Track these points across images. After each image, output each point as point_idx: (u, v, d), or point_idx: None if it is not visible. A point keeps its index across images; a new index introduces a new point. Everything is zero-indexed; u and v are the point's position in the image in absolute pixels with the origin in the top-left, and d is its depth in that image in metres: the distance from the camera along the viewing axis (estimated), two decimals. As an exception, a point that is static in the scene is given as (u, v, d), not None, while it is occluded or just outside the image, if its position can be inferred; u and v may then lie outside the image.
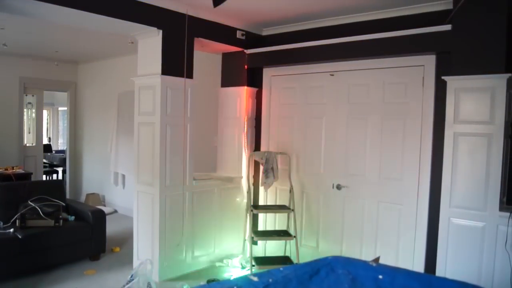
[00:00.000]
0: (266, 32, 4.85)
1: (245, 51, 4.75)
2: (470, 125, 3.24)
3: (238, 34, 4.61)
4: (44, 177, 8.30)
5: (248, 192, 4.54)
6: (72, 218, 4.63)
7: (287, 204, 4.50)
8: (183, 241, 4.24)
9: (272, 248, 4.78)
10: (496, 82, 3.11)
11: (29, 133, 7.64)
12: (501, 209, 3.12)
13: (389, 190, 3.95)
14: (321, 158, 4.44)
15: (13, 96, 7.10)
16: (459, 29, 3.31)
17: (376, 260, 2.61)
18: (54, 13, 3.49)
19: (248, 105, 4.82)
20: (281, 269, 1.22)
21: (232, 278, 4.16)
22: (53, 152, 11.37)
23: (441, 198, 3.40)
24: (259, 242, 4.80)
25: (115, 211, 7.05)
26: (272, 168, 4.42)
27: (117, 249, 4.98)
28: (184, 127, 4.17)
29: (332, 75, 4.31)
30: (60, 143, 13.71)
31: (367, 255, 4.05)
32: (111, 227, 5.51)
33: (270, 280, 1.16)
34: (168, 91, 4.01)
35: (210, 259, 4.57)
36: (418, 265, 3.73)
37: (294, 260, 4.22)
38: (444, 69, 3.50)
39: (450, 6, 3.45)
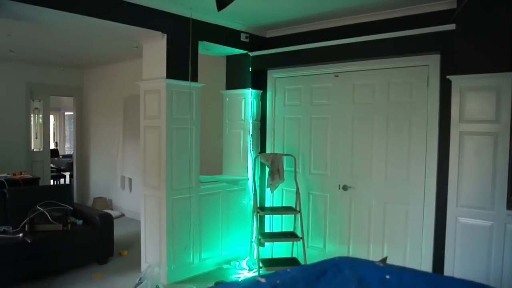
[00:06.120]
0: (270, 34, 4.87)
1: (249, 53, 4.77)
2: (476, 124, 3.23)
3: (242, 37, 4.63)
4: (51, 182, 8.36)
5: (254, 194, 4.55)
6: (80, 222, 4.67)
7: (293, 206, 4.50)
8: (191, 244, 4.26)
9: (279, 249, 4.78)
10: (502, 80, 3.10)
11: (36, 138, 7.70)
12: (509, 207, 3.10)
13: (396, 190, 3.95)
14: (327, 159, 4.44)
15: (20, 102, 7.16)
16: (463, 28, 3.30)
17: (383, 260, 2.61)
18: (59, 19, 3.54)
19: (253, 107, 4.83)
20: (288, 270, 1.22)
21: (239, 280, 4.16)
22: (60, 157, 11.44)
23: (448, 197, 3.39)
24: (266, 243, 4.81)
25: (123, 215, 7.08)
26: (278, 170, 4.43)
27: (125, 252, 5.00)
28: (189, 130, 4.20)
29: (337, 76, 4.32)
30: (67, 148, 13.80)
31: (374, 256, 4.05)
32: (119, 231, 5.53)
33: (278, 281, 1.16)
34: (173, 94, 4.03)
35: (217, 261, 4.58)
36: (426, 265, 3.72)
37: (302, 262, 4.21)
38: (448, 68, 3.49)
39: (454, 6, 3.44)
